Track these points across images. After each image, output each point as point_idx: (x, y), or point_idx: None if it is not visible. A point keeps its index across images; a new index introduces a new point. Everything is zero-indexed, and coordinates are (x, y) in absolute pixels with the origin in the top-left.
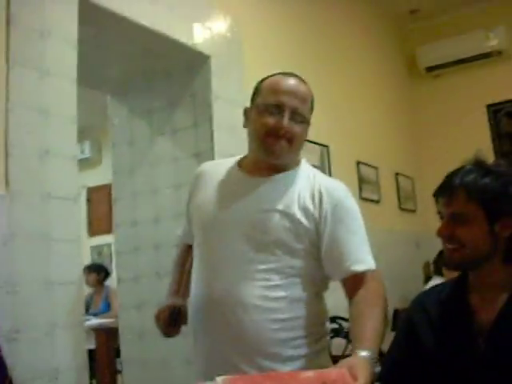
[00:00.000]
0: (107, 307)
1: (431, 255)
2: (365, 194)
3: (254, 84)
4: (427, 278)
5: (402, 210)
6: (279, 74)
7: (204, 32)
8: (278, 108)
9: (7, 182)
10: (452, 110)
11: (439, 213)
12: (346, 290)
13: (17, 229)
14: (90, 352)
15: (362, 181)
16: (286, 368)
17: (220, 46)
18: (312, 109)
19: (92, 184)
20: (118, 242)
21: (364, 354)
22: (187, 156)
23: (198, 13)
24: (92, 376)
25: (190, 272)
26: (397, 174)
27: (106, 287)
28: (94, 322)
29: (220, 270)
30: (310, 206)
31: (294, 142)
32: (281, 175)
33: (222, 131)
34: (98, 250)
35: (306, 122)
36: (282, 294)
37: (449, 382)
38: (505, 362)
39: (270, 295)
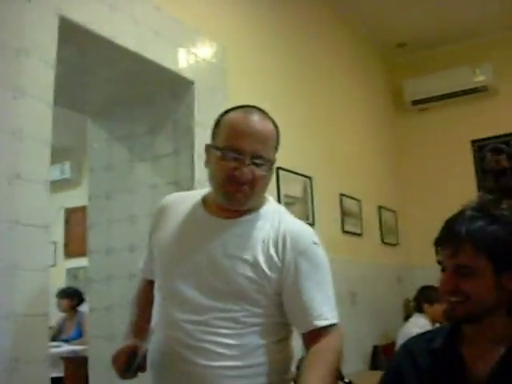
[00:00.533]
0: (79, 334)
1: (411, 290)
2: (347, 227)
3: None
4: (407, 316)
5: (385, 243)
6: (240, 108)
7: (189, 57)
8: (238, 153)
9: None
10: (437, 144)
11: (439, 263)
12: (304, 342)
13: None
14: (59, 380)
15: (344, 213)
16: None
17: (204, 72)
18: (277, 144)
19: (70, 205)
20: (92, 270)
21: None
22: (166, 183)
23: (183, 38)
24: None
25: (149, 311)
26: (380, 207)
27: (79, 313)
28: (65, 348)
29: (176, 316)
30: (274, 254)
31: (256, 186)
32: (245, 218)
33: (202, 159)
34: (73, 272)
35: (268, 163)
36: (240, 341)
37: None
38: None
39: (228, 342)
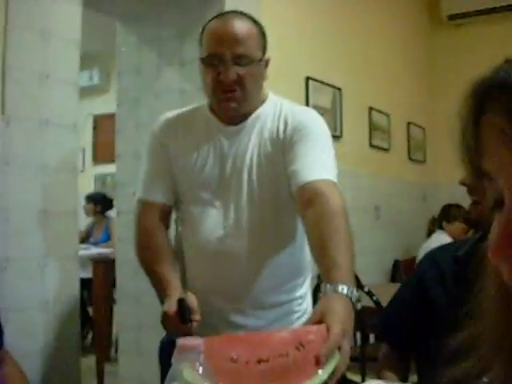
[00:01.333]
0: (107, 238)
1: (436, 208)
2: (375, 142)
3: (269, 18)
4: (430, 232)
5: (412, 160)
6: (219, 16)
7: None
8: (219, 58)
9: (3, 106)
10: (472, 62)
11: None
12: (298, 206)
13: (11, 155)
14: (88, 280)
15: (373, 127)
16: (270, 314)
17: None
18: (264, 41)
19: (99, 112)
20: (119, 173)
21: (341, 289)
22: (194, 89)
23: None
24: (89, 304)
25: (173, 262)
26: (409, 123)
27: (107, 218)
28: (94, 251)
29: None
30: (280, 141)
31: (246, 86)
32: (250, 119)
33: None
34: (102, 178)
35: (254, 60)
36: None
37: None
38: None
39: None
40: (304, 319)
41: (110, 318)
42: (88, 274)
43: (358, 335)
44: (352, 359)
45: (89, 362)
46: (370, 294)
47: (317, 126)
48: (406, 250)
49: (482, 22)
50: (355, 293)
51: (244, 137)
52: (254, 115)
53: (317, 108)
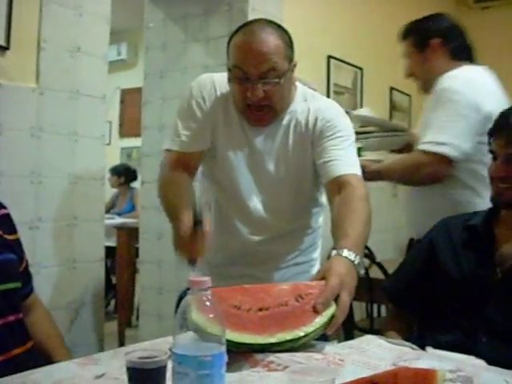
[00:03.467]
0: (132, 208)
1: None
2: (395, 121)
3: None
4: None
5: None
6: (243, 28)
7: None
8: (245, 76)
9: (38, 76)
10: (497, 44)
11: (491, 151)
12: (328, 195)
13: (45, 122)
14: (112, 249)
15: (393, 107)
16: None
17: None
18: (290, 50)
19: (126, 86)
20: (144, 145)
21: (345, 253)
22: (218, 65)
23: None
24: (112, 272)
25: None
26: None
27: (131, 189)
28: (118, 220)
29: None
30: (308, 134)
31: (274, 102)
32: (283, 118)
33: None
34: (127, 151)
35: (281, 74)
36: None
37: (460, 304)
38: None
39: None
40: None
41: (132, 285)
42: (112, 242)
43: (368, 306)
44: (361, 330)
45: (112, 326)
46: (379, 265)
47: (344, 122)
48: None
49: (506, 4)
50: (359, 259)
51: (275, 133)
52: (284, 115)
53: (337, 86)
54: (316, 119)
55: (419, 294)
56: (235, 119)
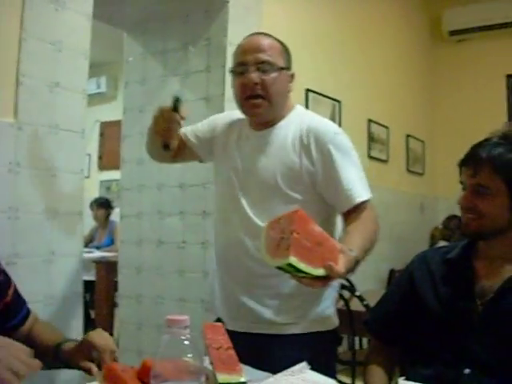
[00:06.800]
0: (110, 242)
1: (434, 220)
2: (373, 153)
3: (270, 30)
4: (432, 244)
5: (410, 172)
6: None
7: None
8: (243, 66)
9: (16, 111)
10: (471, 76)
11: (461, 183)
12: (344, 220)
13: (22, 157)
14: (91, 283)
15: (371, 139)
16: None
17: None
18: (287, 55)
19: (106, 119)
20: (124, 179)
21: (350, 252)
22: (197, 99)
23: None
24: (91, 307)
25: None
26: (408, 135)
27: (111, 222)
28: (97, 254)
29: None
30: (303, 150)
31: (269, 92)
32: (278, 125)
33: None
34: (106, 184)
35: (277, 68)
36: None
37: (441, 337)
38: (498, 328)
39: None
40: None
41: (111, 320)
42: (91, 276)
43: (350, 339)
44: (343, 363)
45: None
46: (360, 298)
47: (343, 140)
48: (401, 259)
49: (482, 37)
50: (359, 257)
51: (268, 141)
52: (280, 123)
53: None
54: (309, 136)
55: (400, 328)
56: (234, 137)
